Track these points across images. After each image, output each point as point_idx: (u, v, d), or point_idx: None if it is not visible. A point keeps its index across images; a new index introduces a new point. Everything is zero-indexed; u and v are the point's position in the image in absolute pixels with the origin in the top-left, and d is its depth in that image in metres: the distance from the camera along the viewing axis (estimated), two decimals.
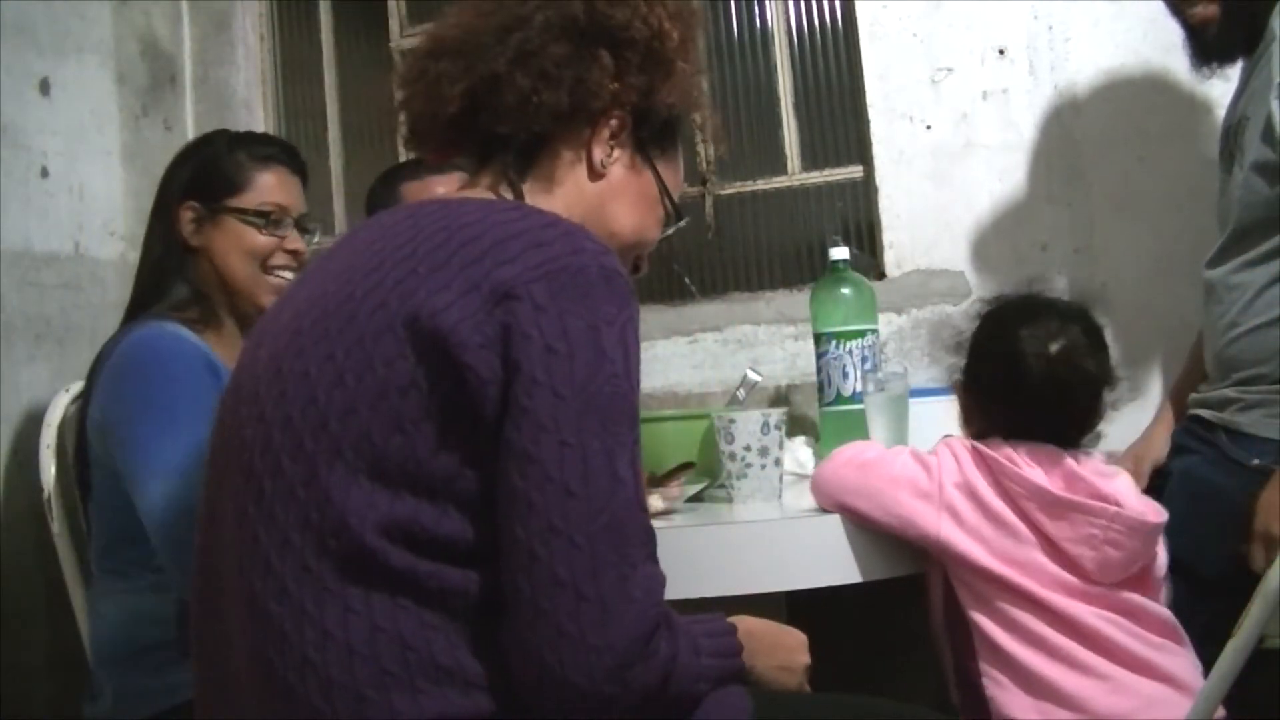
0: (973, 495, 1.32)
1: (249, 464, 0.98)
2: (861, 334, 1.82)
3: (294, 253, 1.71)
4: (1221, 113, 1.84)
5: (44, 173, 2.24)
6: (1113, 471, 1.36)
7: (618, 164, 1.17)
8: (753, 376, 2.01)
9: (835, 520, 1.36)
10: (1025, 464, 1.32)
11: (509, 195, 1.13)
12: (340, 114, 2.83)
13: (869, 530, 1.36)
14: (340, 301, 0.99)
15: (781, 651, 1.16)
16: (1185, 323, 1.94)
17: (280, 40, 2.85)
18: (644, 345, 2.58)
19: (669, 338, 2.46)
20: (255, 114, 2.77)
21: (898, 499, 1.32)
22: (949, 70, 2.34)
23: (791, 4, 2.55)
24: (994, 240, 2.31)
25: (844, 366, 1.82)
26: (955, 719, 1.43)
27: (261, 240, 1.68)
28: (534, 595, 0.89)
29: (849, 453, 1.41)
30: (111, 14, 2.48)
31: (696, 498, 1.60)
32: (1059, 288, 2.11)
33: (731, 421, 1.52)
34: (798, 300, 2.32)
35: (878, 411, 1.67)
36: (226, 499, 1.01)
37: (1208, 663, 1.22)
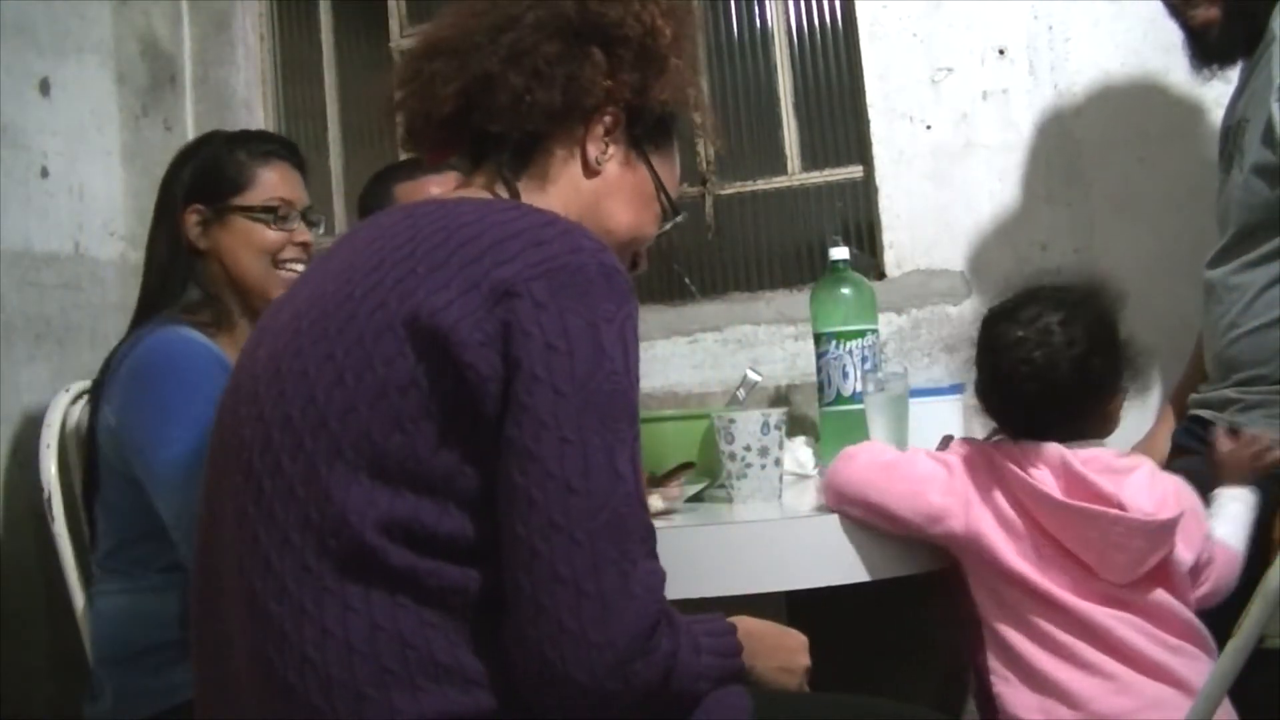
0: (987, 496, 1.32)
1: (248, 463, 0.98)
2: (861, 334, 1.82)
3: (303, 245, 1.71)
4: (1221, 113, 1.84)
5: (44, 173, 2.24)
6: (1127, 466, 1.34)
7: (612, 161, 1.17)
8: (753, 376, 2.01)
9: (835, 520, 1.36)
10: (1033, 467, 1.32)
11: (504, 194, 1.13)
12: (340, 114, 2.83)
13: (870, 530, 1.36)
14: (339, 301, 0.99)
15: (782, 652, 1.16)
16: (1185, 323, 1.94)
17: (280, 40, 2.85)
18: (644, 345, 2.59)
19: (669, 338, 2.46)
20: (255, 114, 2.76)
21: (927, 497, 1.33)
22: (949, 70, 2.34)
23: (791, 4, 2.55)
24: (994, 240, 2.31)
25: (844, 366, 1.82)
26: (955, 719, 1.43)
27: (271, 236, 1.68)
28: (535, 592, 0.89)
29: (867, 454, 1.40)
30: (111, 14, 2.48)
31: (696, 498, 1.60)
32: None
33: (731, 421, 1.52)
34: (798, 300, 2.32)
35: (878, 411, 1.67)
36: (226, 499, 1.01)
37: None
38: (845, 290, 1.86)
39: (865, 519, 1.35)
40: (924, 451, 1.40)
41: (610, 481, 0.91)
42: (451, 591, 0.93)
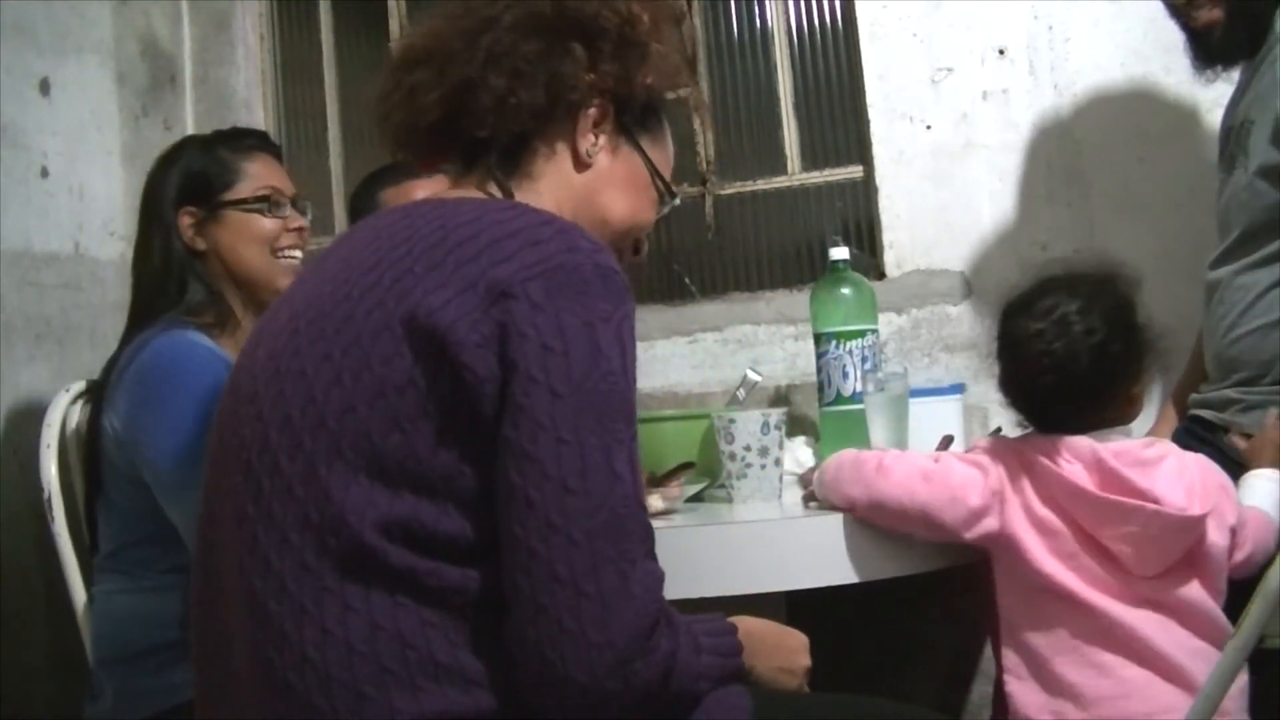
0: (1019, 494, 1.32)
1: (247, 463, 0.98)
2: (861, 334, 1.82)
3: (298, 231, 1.73)
4: (1221, 113, 1.84)
5: (44, 173, 2.24)
6: (1155, 456, 1.33)
7: (604, 152, 1.17)
8: (753, 376, 2.01)
9: (835, 520, 1.36)
10: (1065, 461, 1.31)
11: (499, 194, 1.13)
12: (340, 114, 2.83)
13: (870, 530, 1.36)
14: (337, 301, 0.99)
15: (782, 653, 1.16)
16: (1185, 323, 1.94)
17: (280, 40, 2.85)
18: (644, 345, 2.60)
19: (669, 338, 2.46)
20: (255, 114, 2.76)
21: (968, 502, 1.32)
22: (949, 70, 2.34)
23: (791, 4, 2.55)
24: (994, 240, 2.31)
25: (844, 366, 1.82)
26: (955, 719, 1.43)
27: (267, 224, 1.70)
28: (534, 592, 0.89)
29: (903, 465, 1.36)
30: (111, 14, 2.48)
31: (696, 498, 1.60)
32: None
33: (731, 421, 1.52)
34: (798, 300, 2.32)
35: (878, 411, 1.67)
36: (225, 499, 1.01)
37: None
38: (845, 290, 1.85)
39: (895, 527, 1.35)
40: (954, 455, 1.39)
41: (608, 482, 0.91)
42: (451, 591, 0.93)
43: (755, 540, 1.36)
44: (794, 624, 1.21)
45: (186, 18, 2.74)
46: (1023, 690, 1.32)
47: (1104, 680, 1.28)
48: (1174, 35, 1.83)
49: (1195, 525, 1.29)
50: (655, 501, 1.47)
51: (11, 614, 2.01)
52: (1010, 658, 1.35)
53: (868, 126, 2.39)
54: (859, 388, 1.78)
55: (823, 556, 1.36)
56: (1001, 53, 2.31)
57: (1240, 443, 1.59)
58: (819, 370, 1.86)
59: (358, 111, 2.81)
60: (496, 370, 0.92)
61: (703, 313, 2.47)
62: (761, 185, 2.55)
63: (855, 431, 1.72)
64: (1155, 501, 1.28)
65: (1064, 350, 1.33)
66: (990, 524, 1.32)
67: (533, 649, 0.89)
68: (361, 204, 2.04)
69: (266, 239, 1.69)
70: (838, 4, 2.51)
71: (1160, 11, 1.85)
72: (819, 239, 2.45)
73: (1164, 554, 1.29)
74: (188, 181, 1.69)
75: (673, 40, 1.21)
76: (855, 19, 2.40)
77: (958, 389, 2.06)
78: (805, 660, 1.18)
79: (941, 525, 1.33)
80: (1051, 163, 2.28)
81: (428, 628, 0.92)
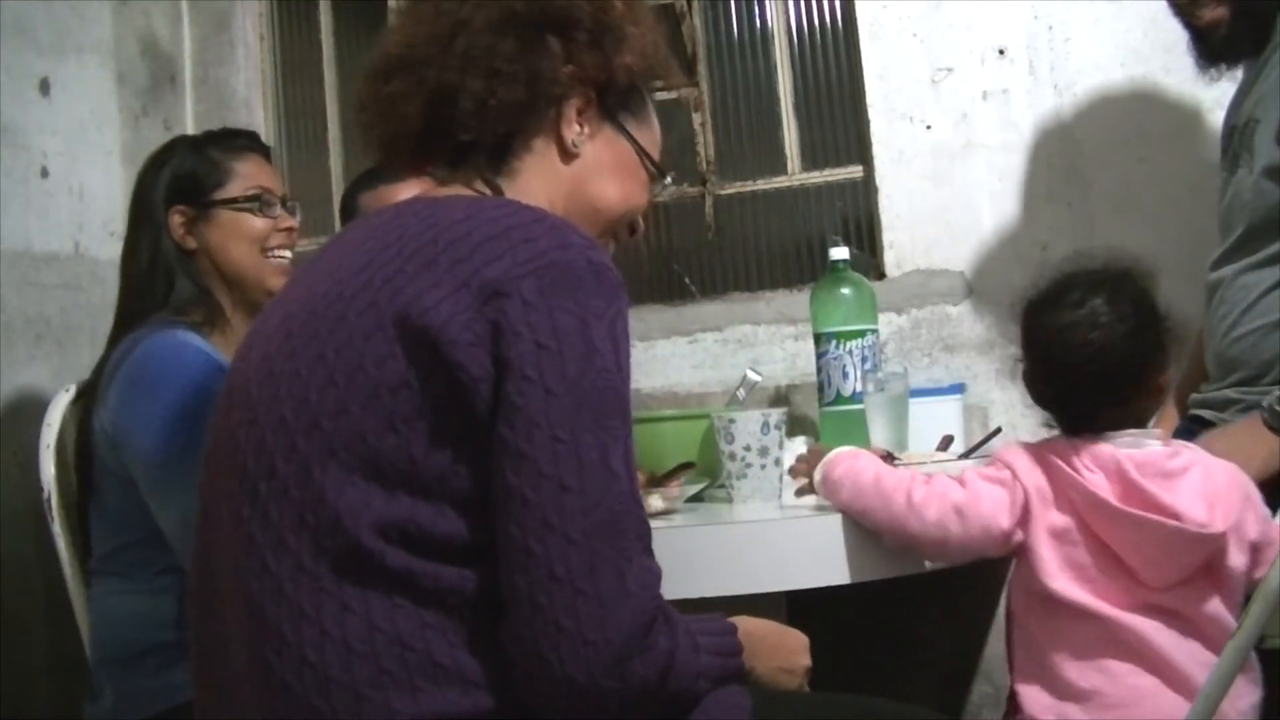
0: (1041, 504, 1.31)
1: (243, 466, 0.98)
2: (861, 334, 1.83)
3: (288, 231, 1.73)
4: (1222, 113, 1.84)
5: (44, 173, 2.24)
6: (1180, 468, 1.31)
7: (589, 140, 1.16)
8: (753, 376, 2.01)
9: (835, 520, 1.36)
10: (1086, 469, 1.30)
11: (487, 192, 1.13)
12: (340, 114, 2.83)
13: (870, 531, 1.36)
14: (330, 302, 0.99)
15: (782, 652, 1.16)
16: (1185, 323, 1.94)
17: (280, 40, 2.85)
18: (644, 345, 2.60)
19: (669, 338, 2.46)
20: (255, 114, 2.76)
21: (1000, 527, 1.31)
22: (949, 70, 2.34)
23: (791, 4, 2.55)
24: (994, 240, 2.31)
25: (844, 366, 1.82)
26: (955, 719, 1.43)
27: (258, 223, 1.70)
28: (531, 592, 0.89)
29: (934, 503, 1.32)
30: (111, 14, 2.48)
31: (696, 498, 1.60)
32: None
33: (731, 421, 1.52)
34: (798, 300, 2.32)
35: (878, 411, 1.67)
36: (221, 501, 1.00)
37: None
38: (845, 290, 1.86)
39: (926, 553, 1.35)
40: (977, 473, 1.36)
41: (604, 480, 0.91)
42: (449, 592, 0.93)
43: (755, 540, 1.36)
44: (794, 624, 1.21)
45: (186, 18, 2.74)
46: (1030, 690, 1.32)
47: (1112, 687, 1.27)
48: (1174, 35, 1.83)
49: (1215, 541, 1.28)
50: (655, 501, 1.47)
51: (11, 614, 2.01)
52: (1019, 655, 1.35)
53: (868, 126, 2.39)
54: (859, 388, 1.79)
55: (823, 556, 1.36)
56: (1001, 53, 2.31)
57: None
58: (819, 370, 1.86)
59: None
60: (490, 369, 0.92)
61: (703, 313, 2.47)
62: (761, 185, 2.55)
63: (855, 431, 1.72)
64: (1176, 517, 1.26)
65: (1100, 340, 1.31)
66: (1017, 538, 1.32)
67: (530, 648, 0.89)
68: (345, 206, 2.05)
69: (257, 238, 1.70)
70: (838, 4, 2.51)
71: (1160, 11, 1.85)
72: (819, 239, 2.45)
73: (1180, 567, 1.28)
74: (179, 181, 1.69)
75: (647, 18, 1.20)
76: (855, 19, 2.40)
77: (958, 389, 2.07)
78: (805, 660, 1.18)
79: (973, 554, 1.34)
80: (1051, 163, 2.28)
81: (426, 628, 0.92)
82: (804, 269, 2.50)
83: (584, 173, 1.16)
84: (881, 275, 2.37)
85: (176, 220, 1.68)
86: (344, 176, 2.80)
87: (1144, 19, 2.20)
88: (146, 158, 1.77)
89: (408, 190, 1.75)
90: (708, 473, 1.64)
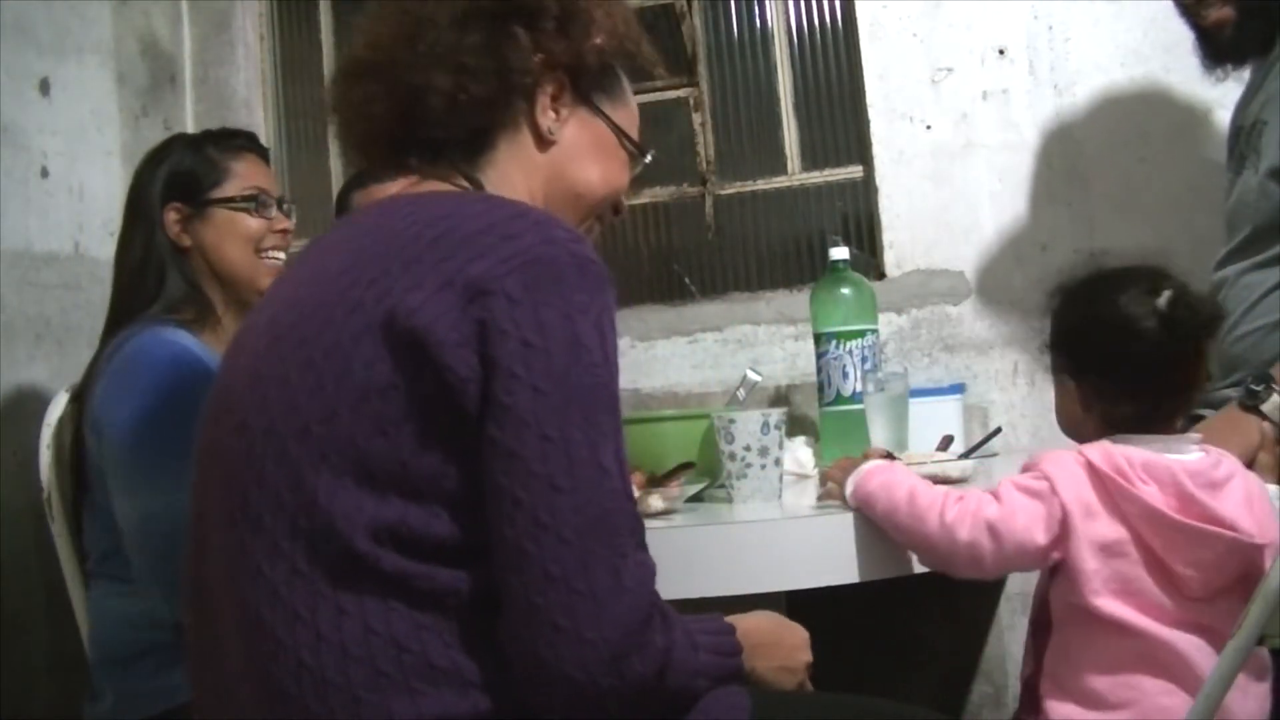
0: (1086, 519, 1.27)
1: (233, 472, 0.98)
2: (861, 334, 1.83)
3: (282, 232, 1.73)
4: (1223, 113, 1.84)
5: (44, 173, 2.24)
6: (1224, 477, 1.29)
7: (565, 125, 1.15)
8: (753, 376, 2.01)
9: (835, 520, 1.36)
10: (1140, 480, 1.26)
11: (468, 187, 1.12)
12: None
13: (870, 530, 1.35)
14: (316, 305, 0.98)
15: (782, 650, 1.15)
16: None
17: (280, 40, 2.85)
18: (644, 345, 2.60)
19: (669, 338, 2.46)
20: (255, 114, 2.76)
21: (1036, 544, 1.28)
22: (949, 70, 2.34)
23: (791, 4, 2.55)
24: (994, 240, 2.31)
25: (844, 366, 1.82)
26: (955, 719, 1.42)
27: (253, 224, 1.70)
28: (526, 592, 0.89)
29: (968, 522, 1.28)
30: (111, 14, 2.48)
31: (696, 498, 1.60)
32: None
33: (731, 421, 1.52)
34: (798, 300, 2.32)
35: (878, 411, 1.67)
36: (213, 508, 1.00)
37: None
38: (845, 290, 1.86)
39: (962, 573, 1.33)
40: (1013, 483, 1.31)
41: (595, 477, 0.90)
42: (445, 594, 0.93)
43: (755, 540, 1.36)
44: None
45: (186, 18, 2.74)
46: (1056, 695, 1.31)
47: (1140, 704, 1.25)
48: (1174, 35, 1.83)
49: (1261, 553, 1.26)
50: (655, 501, 1.46)
51: (11, 614, 2.01)
52: (1050, 662, 1.32)
53: (868, 126, 2.39)
54: (859, 388, 1.79)
55: (823, 556, 1.36)
56: (1001, 53, 2.31)
57: None
58: (819, 370, 1.86)
59: None
60: (478, 369, 0.91)
61: (703, 313, 2.47)
62: (761, 185, 2.55)
63: (855, 431, 1.72)
64: (1231, 528, 1.24)
65: (1160, 326, 1.29)
66: (1054, 556, 1.29)
67: (527, 648, 0.89)
68: (340, 207, 2.06)
69: (252, 238, 1.70)
70: (838, 4, 2.51)
71: (1160, 11, 1.85)
72: (819, 239, 2.45)
73: (1224, 577, 1.26)
74: (175, 178, 1.69)
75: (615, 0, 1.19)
76: (855, 19, 2.40)
77: (958, 389, 2.07)
78: (806, 656, 1.17)
79: (1014, 569, 1.34)
80: (1052, 163, 2.28)
81: (422, 630, 0.92)
82: (804, 269, 2.50)
83: (562, 158, 1.15)
84: (881, 275, 2.37)
85: (172, 217, 1.68)
86: (344, 177, 2.79)
87: (1144, 19, 2.20)
88: (144, 154, 1.77)
89: (396, 189, 1.75)
90: (708, 473, 1.64)
